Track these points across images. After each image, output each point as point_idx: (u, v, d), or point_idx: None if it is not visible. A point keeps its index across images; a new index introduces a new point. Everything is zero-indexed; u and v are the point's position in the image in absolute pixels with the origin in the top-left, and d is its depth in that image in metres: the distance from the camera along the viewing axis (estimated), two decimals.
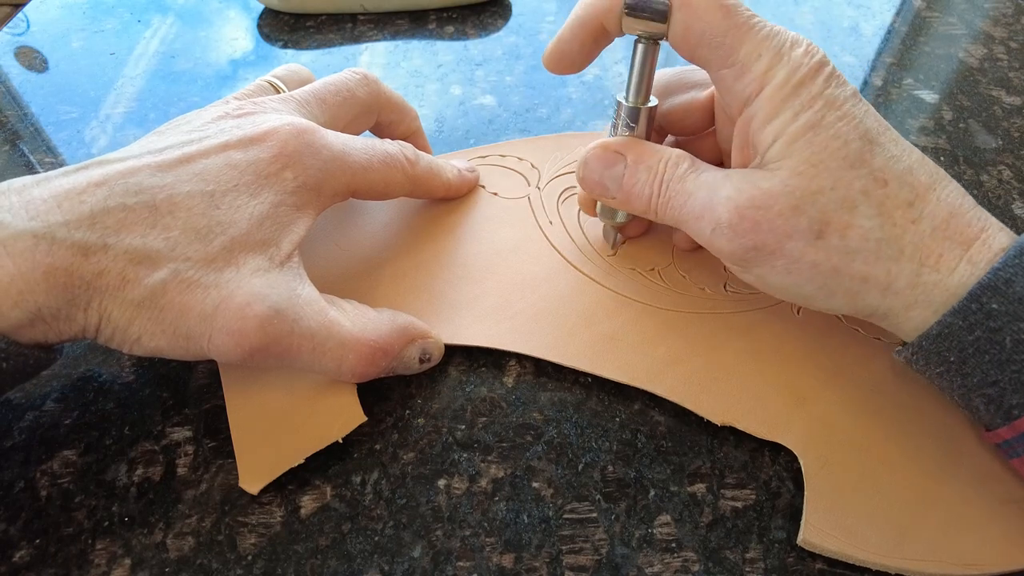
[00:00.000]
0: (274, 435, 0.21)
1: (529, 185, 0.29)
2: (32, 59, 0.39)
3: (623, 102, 0.22)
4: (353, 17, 0.41)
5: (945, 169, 0.31)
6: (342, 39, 0.40)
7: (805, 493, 0.20)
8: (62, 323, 0.18)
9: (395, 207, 0.28)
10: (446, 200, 0.28)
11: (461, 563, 0.19)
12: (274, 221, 0.20)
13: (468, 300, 0.25)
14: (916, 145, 0.32)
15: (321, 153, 0.21)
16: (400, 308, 0.23)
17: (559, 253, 0.27)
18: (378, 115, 0.26)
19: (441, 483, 0.21)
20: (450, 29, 0.40)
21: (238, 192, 0.20)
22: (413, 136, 0.28)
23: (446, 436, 0.22)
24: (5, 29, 0.41)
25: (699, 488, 0.21)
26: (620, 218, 0.25)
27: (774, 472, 0.21)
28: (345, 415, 0.21)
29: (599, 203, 0.25)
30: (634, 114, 0.22)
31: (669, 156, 0.21)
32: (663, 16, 0.19)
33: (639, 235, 0.27)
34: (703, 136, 0.25)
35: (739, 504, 0.20)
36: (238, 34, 0.40)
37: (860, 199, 0.18)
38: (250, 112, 0.22)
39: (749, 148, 0.20)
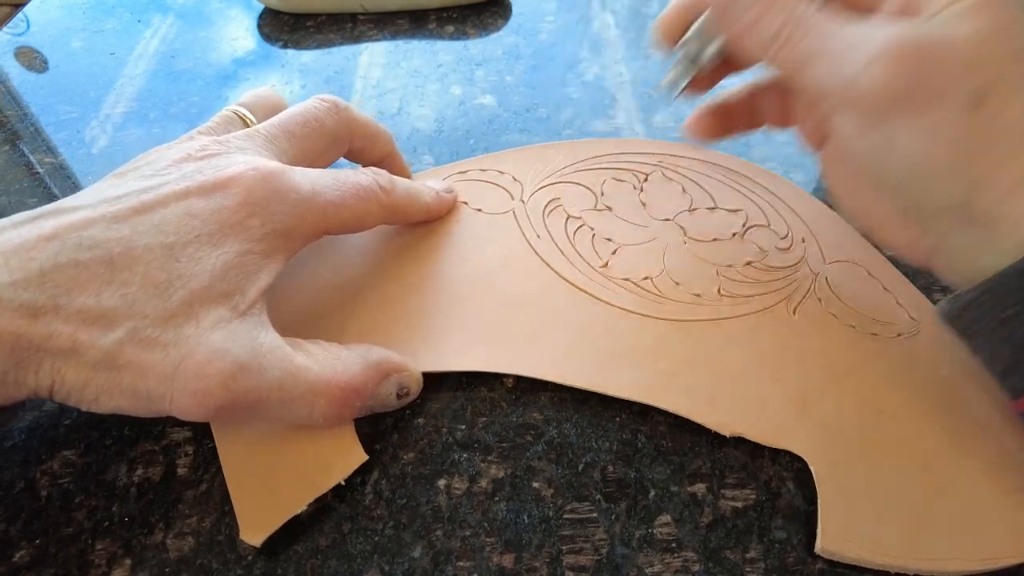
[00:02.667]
0: (272, 482, 0.20)
1: (513, 199, 0.28)
2: (32, 59, 0.39)
3: None
4: (353, 17, 0.41)
5: None
6: (342, 39, 0.40)
7: (819, 500, 0.20)
8: (10, 387, 0.17)
9: (376, 230, 0.27)
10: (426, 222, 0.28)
11: (461, 563, 0.19)
12: (239, 270, 0.19)
13: (460, 323, 0.24)
14: None
15: (289, 197, 0.20)
16: (389, 335, 0.23)
17: (549, 267, 0.26)
18: (350, 142, 0.25)
19: (441, 483, 0.21)
20: (450, 29, 0.40)
21: (200, 243, 0.18)
22: (388, 160, 0.27)
23: (446, 436, 0.22)
24: (5, 29, 0.41)
25: (699, 488, 0.21)
26: (707, 56, 0.22)
27: (774, 472, 0.21)
28: (345, 455, 0.20)
29: (692, 30, 0.22)
30: None
31: None
32: None
33: (697, 124, 0.25)
34: None
35: (739, 504, 0.20)
36: (238, 34, 0.40)
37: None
38: (214, 153, 0.21)
39: (912, 5, 0.18)
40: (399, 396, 0.21)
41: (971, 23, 0.17)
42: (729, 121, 0.26)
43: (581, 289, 0.25)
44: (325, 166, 0.24)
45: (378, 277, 0.26)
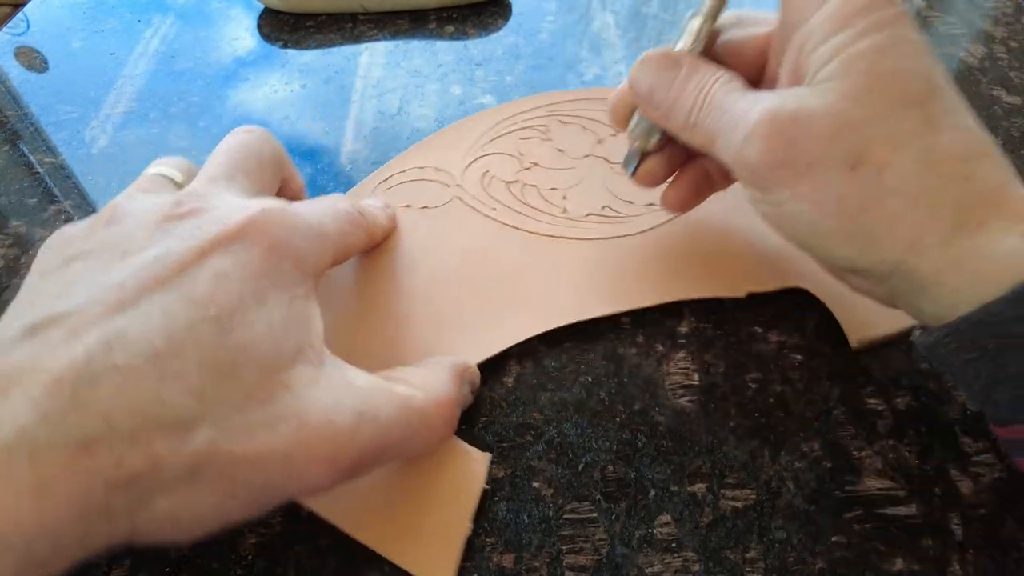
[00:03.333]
0: (421, 522, 0.19)
1: (448, 186, 0.29)
2: (32, 59, 0.39)
3: (696, 18, 0.21)
4: (353, 17, 0.41)
5: None
6: (342, 39, 0.40)
7: (832, 310, 0.24)
8: (76, 549, 0.13)
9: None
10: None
11: (461, 563, 0.19)
12: (295, 321, 0.17)
13: (474, 315, 0.24)
14: None
15: (306, 232, 0.19)
16: (408, 349, 0.23)
17: (521, 230, 0.27)
18: (281, 172, 0.23)
19: None
20: (450, 29, 0.40)
21: (245, 306, 0.16)
22: (300, 193, 0.25)
23: None
24: (5, 29, 0.41)
25: (699, 488, 0.21)
26: (652, 142, 0.24)
27: (774, 472, 0.21)
28: (467, 460, 0.20)
29: (634, 120, 0.24)
30: (701, 31, 0.21)
31: (722, 74, 0.20)
32: None
33: (656, 181, 0.25)
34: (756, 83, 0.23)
35: (739, 504, 0.20)
36: (238, 34, 0.40)
37: (908, 139, 0.17)
38: (196, 207, 0.18)
39: (799, 72, 0.19)
40: (472, 392, 0.22)
41: (837, 90, 0.17)
42: (695, 189, 0.25)
43: (560, 237, 0.27)
44: (272, 195, 0.23)
45: (365, 301, 0.25)
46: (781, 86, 0.20)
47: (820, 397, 0.23)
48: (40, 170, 0.32)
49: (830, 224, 0.18)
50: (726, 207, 0.27)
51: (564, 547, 0.19)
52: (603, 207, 0.28)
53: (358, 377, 0.18)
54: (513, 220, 0.28)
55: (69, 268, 0.16)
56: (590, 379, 0.23)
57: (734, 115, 0.19)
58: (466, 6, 0.42)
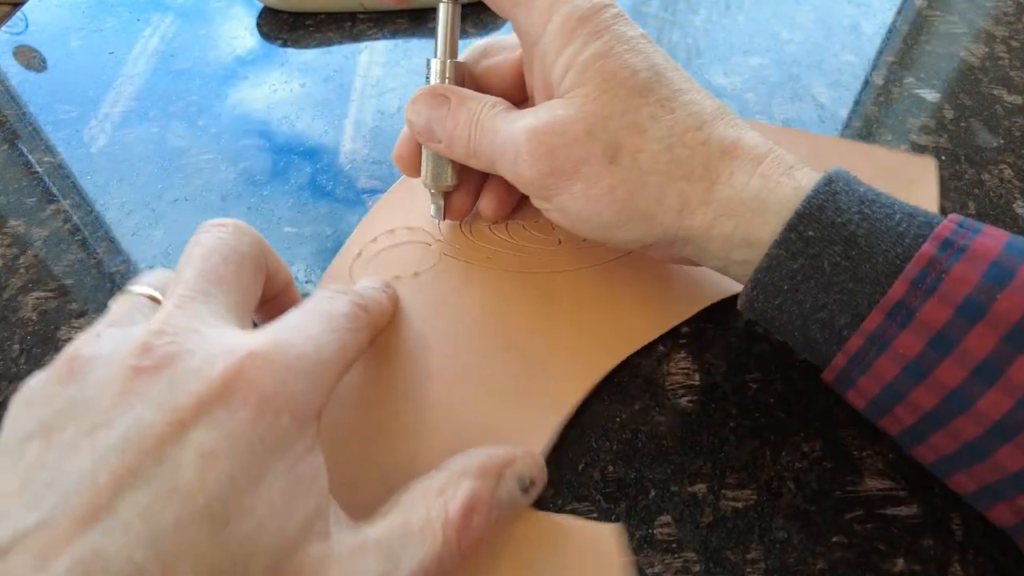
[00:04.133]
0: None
1: (430, 244, 0.27)
2: (31, 58, 0.39)
3: (433, 59, 0.24)
4: (352, 16, 0.41)
5: (946, 168, 0.31)
6: (341, 38, 0.40)
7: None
8: None
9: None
10: None
11: None
12: (300, 491, 0.15)
13: (509, 387, 0.22)
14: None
15: (304, 369, 0.16)
16: (451, 450, 0.20)
17: (522, 272, 0.26)
18: (266, 266, 0.20)
19: None
20: None
21: (239, 489, 0.14)
22: (288, 287, 0.22)
23: None
24: (4, 28, 0.41)
25: (699, 488, 0.21)
26: (446, 181, 0.25)
27: (775, 472, 0.21)
28: (597, 540, 0.19)
29: (424, 167, 0.25)
30: (446, 69, 0.23)
31: (487, 100, 0.22)
32: None
33: (465, 213, 0.26)
34: (520, 103, 0.25)
35: (740, 504, 0.20)
36: (238, 32, 0.40)
37: (649, 123, 0.20)
38: (169, 354, 0.15)
39: (547, 87, 0.21)
40: (524, 490, 0.18)
41: (579, 95, 0.20)
42: (509, 192, 0.26)
43: (568, 270, 0.26)
44: (256, 298, 0.20)
45: (381, 395, 0.22)
46: (538, 102, 0.22)
47: (821, 397, 0.23)
48: (39, 169, 0.32)
49: (609, 214, 0.20)
50: None
51: None
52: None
53: (372, 531, 0.16)
54: (513, 264, 0.26)
55: (29, 447, 0.14)
56: None
57: (503, 138, 0.21)
58: (466, 5, 0.42)
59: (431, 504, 0.16)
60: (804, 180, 0.19)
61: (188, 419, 0.14)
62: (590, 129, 0.19)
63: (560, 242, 0.27)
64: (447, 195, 0.26)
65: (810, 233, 0.18)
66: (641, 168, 0.19)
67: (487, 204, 0.26)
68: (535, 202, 0.22)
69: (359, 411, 0.22)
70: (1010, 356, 0.16)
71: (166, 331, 0.15)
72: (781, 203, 0.19)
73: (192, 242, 0.19)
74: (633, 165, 0.20)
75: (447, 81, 0.23)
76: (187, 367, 0.15)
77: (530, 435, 0.21)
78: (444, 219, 0.26)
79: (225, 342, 0.16)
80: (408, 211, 0.28)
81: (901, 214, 0.18)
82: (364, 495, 0.19)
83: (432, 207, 0.26)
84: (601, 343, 0.24)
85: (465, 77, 0.24)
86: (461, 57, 0.24)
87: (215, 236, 0.19)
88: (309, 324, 0.17)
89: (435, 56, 0.23)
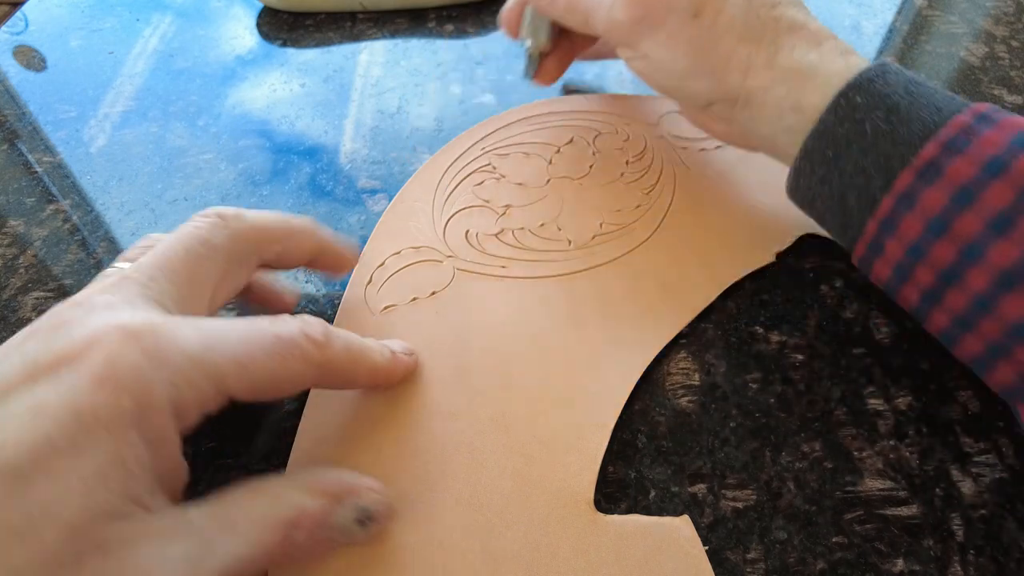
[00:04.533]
0: None
1: (442, 260, 0.26)
2: (31, 58, 0.39)
3: None
4: (352, 15, 0.41)
5: None
6: (341, 38, 0.40)
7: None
8: None
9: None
10: (383, 382, 0.22)
11: None
12: (118, 474, 0.14)
13: (563, 389, 0.22)
14: None
15: (171, 360, 0.15)
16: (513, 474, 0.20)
17: (541, 278, 0.25)
18: (258, 255, 0.20)
19: None
20: (450, 27, 0.40)
21: (54, 450, 0.13)
22: (322, 255, 0.22)
23: None
24: (3, 28, 0.41)
25: (700, 488, 0.21)
26: (543, 39, 0.29)
27: (775, 472, 0.21)
28: (671, 532, 0.19)
29: (525, 21, 0.29)
30: None
31: None
32: None
33: (552, 78, 0.31)
34: None
35: (740, 504, 0.20)
36: (238, 32, 0.40)
37: None
38: (67, 320, 0.16)
39: None
40: (361, 523, 0.17)
41: None
42: (562, 63, 0.32)
43: (584, 270, 0.26)
44: (231, 295, 0.20)
45: (426, 418, 0.21)
46: None
47: (821, 397, 0.23)
48: (38, 169, 0.32)
49: (685, 63, 0.24)
50: (711, 188, 0.29)
51: None
52: (600, 223, 0.27)
53: (194, 514, 0.15)
54: (529, 271, 0.26)
55: None
56: None
57: None
58: (466, 4, 0.42)
59: (259, 504, 0.16)
60: (857, 60, 0.22)
61: (39, 374, 0.14)
62: None
63: (570, 243, 0.27)
64: (541, 56, 0.30)
65: (858, 99, 0.20)
66: (719, 27, 0.22)
67: (549, 69, 0.31)
68: (620, 51, 0.26)
69: (413, 440, 0.21)
70: (1023, 208, 0.17)
71: (80, 303, 0.16)
72: (833, 75, 0.21)
73: (190, 226, 0.19)
74: (713, 23, 0.23)
75: None
76: (65, 332, 0.15)
77: (586, 441, 0.21)
78: (533, 78, 0.31)
79: (113, 316, 0.16)
80: (410, 231, 0.27)
81: (943, 95, 0.20)
82: (424, 521, 0.19)
83: (525, 65, 0.31)
84: (636, 337, 0.24)
85: None
86: None
87: (192, 226, 0.19)
88: (224, 326, 0.17)
89: None
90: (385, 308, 0.25)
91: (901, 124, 0.19)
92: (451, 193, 0.29)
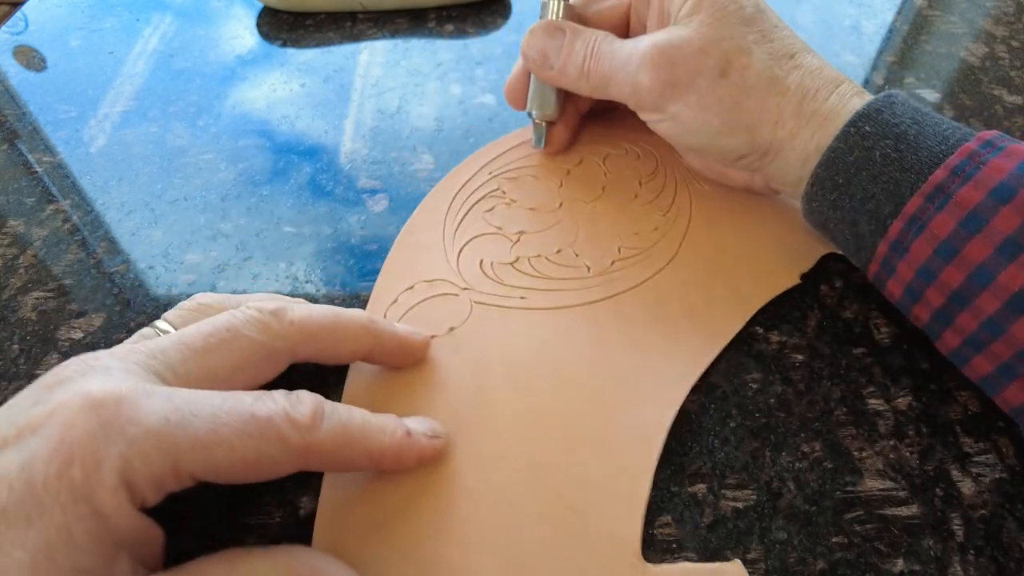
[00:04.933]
0: None
1: (458, 294, 0.25)
2: (30, 58, 0.39)
3: (543, 2, 0.27)
4: (352, 15, 0.41)
5: None
6: (341, 38, 0.40)
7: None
8: None
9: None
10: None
11: None
12: (69, 549, 0.14)
13: (597, 427, 0.21)
14: None
15: (126, 431, 0.14)
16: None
17: (562, 308, 0.24)
18: (291, 354, 0.19)
19: None
20: (450, 28, 0.40)
21: (8, 523, 0.13)
22: (378, 349, 0.21)
23: None
24: (3, 28, 0.41)
25: (700, 488, 0.21)
26: (550, 109, 0.28)
27: (775, 472, 0.21)
28: None
29: (530, 96, 0.28)
30: (558, 7, 0.27)
31: (600, 32, 0.26)
32: None
33: (563, 146, 0.30)
34: None
35: (740, 505, 0.20)
36: (238, 32, 0.40)
37: (753, 47, 0.23)
38: (67, 378, 0.16)
39: (663, 18, 0.25)
40: None
41: (696, 21, 0.23)
42: (573, 131, 0.31)
43: (607, 297, 0.25)
44: (251, 386, 0.18)
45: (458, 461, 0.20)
46: (651, 31, 0.25)
47: (821, 397, 0.23)
48: (38, 169, 0.32)
49: (717, 122, 0.24)
50: (728, 206, 0.28)
51: None
52: (618, 248, 0.26)
53: None
54: (549, 301, 0.25)
55: None
56: None
57: (622, 56, 0.25)
58: (466, 5, 0.42)
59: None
60: (869, 97, 0.22)
61: (11, 438, 0.14)
62: (704, 47, 0.23)
63: (589, 269, 0.26)
64: (549, 126, 0.29)
65: (867, 128, 0.21)
66: (747, 82, 0.23)
67: (559, 138, 0.30)
68: (645, 115, 0.26)
69: (446, 494, 0.20)
70: None
71: (87, 361, 0.17)
72: (849, 112, 0.22)
73: (226, 314, 0.19)
74: (740, 80, 0.23)
75: (560, 18, 0.27)
76: (49, 396, 0.15)
77: (627, 486, 0.20)
78: (544, 148, 0.30)
79: (93, 384, 0.15)
80: (418, 266, 0.26)
81: (949, 124, 0.21)
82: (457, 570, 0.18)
83: (534, 137, 0.30)
84: (668, 368, 0.23)
85: (575, 19, 0.27)
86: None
87: (233, 313, 0.19)
88: (197, 400, 0.16)
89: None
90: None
91: (910, 151, 0.20)
92: (461, 221, 0.28)
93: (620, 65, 0.24)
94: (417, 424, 0.20)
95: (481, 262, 0.26)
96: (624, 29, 0.28)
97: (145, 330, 0.20)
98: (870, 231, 0.21)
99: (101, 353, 0.17)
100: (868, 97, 0.22)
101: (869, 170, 0.21)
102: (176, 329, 0.19)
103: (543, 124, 0.29)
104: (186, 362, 0.17)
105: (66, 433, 0.14)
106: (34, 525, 0.13)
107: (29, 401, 0.15)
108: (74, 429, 0.14)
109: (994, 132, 0.20)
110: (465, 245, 0.27)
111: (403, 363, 0.23)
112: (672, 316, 0.24)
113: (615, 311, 0.24)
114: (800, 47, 0.24)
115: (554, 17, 0.27)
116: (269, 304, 0.19)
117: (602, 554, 0.19)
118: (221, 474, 0.16)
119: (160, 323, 0.20)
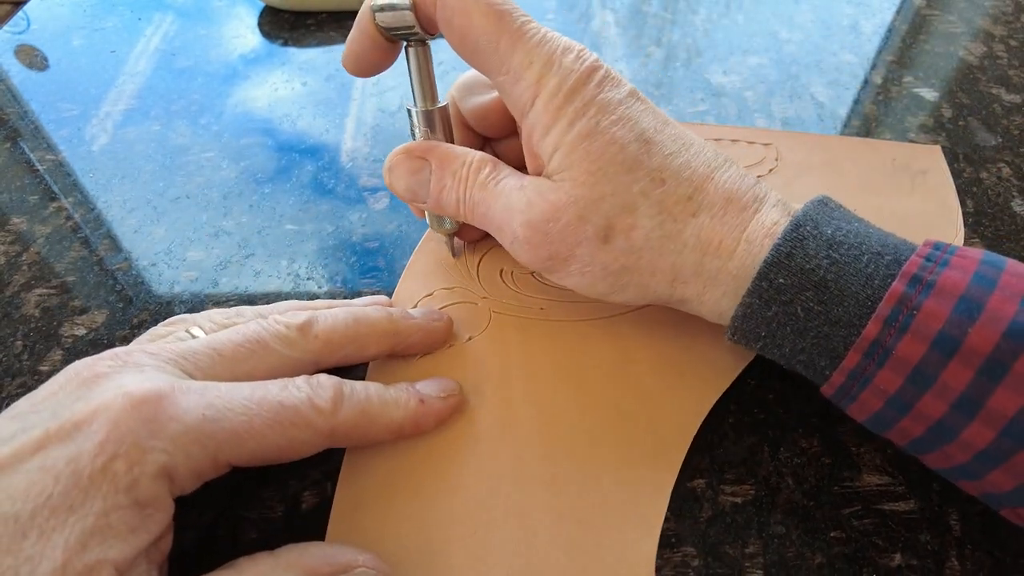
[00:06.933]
0: None
1: (476, 303, 0.25)
2: (33, 57, 0.39)
3: (413, 108, 0.22)
4: (353, 15, 0.41)
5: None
6: (342, 37, 0.40)
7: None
8: None
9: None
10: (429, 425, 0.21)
11: None
12: (103, 536, 0.15)
13: (622, 443, 0.21)
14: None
15: (168, 428, 0.16)
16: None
17: (583, 320, 0.24)
18: (315, 365, 0.20)
19: None
20: None
21: (52, 509, 0.14)
22: (402, 343, 0.22)
23: None
24: (6, 27, 0.41)
25: (699, 483, 0.21)
26: (448, 225, 0.24)
27: (773, 468, 0.21)
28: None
29: (427, 213, 0.24)
30: (427, 118, 0.22)
31: (472, 160, 0.22)
32: (408, 5, 0.19)
33: (478, 238, 0.27)
34: (511, 137, 0.25)
35: (738, 499, 0.20)
36: (239, 31, 0.40)
37: (640, 201, 0.19)
38: (99, 374, 0.17)
39: (536, 158, 0.21)
40: None
41: (573, 171, 0.19)
42: (475, 231, 0.27)
43: (624, 312, 0.24)
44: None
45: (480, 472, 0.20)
46: (528, 167, 0.22)
47: (819, 394, 0.23)
48: (40, 168, 0.32)
49: (603, 286, 0.21)
50: None
51: None
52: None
53: None
54: (569, 312, 0.24)
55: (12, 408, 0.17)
56: None
57: (498, 218, 0.21)
58: None
59: None
60: (782, 225, 0.19)
61: (53, 434, 0.15)
62: (582, 214, 0.19)
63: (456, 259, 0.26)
64: (453, 236, 0.26)
65: (781, 280, 0.18)
66: (634, 245, 0.20)
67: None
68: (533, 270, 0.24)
69: (460, 505, 0.20)
70: (987, 388, 0.16)
71: (120, 356, 0.17)
72: (758, 263, 0.19)
73: (255, 324, 0.20)
74: (626, 243, 0.20)
75: (432, 129, 0.22)
76: (88, 392, 0.16)
77: (643, 506, 0.20)
78: (456, 255, 0.26)
79: (129, 382, 0.16)
80: (438, 273, 0.26)
81: (869, 255, 0.18)
82: None
83: (451, 250, 0.26)
84: (689, 383, 0.22)
85: (448, 121, 0.23)
86: (445, 94, 0.23)
87: (261, 324, 0.20)
88: (229, 394, 0.17)
89: (414, 104, 0.22)
90: (421, 355, 0.23)
91: (834, 303, 0.18)
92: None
93: (496, 226, 0.21)
94: (430, 388, 0.21)
95: (501, 271, 0.26)
96: (510, 122, 0.24)
97: (178, 331, 0.20)
98: (810, 375, 0.19)
99: (133, 348, 0.18)
100: (781, 226, 0.19)
101: (793, 325, 0.18)
102: (206, 335, 0.20)
103: (448, 237, 0.26)
104: (215, 367, 0.18)
105: (111, 431, 0.15)
106: (75, 512, 0.14)
107: (67, 395, 0.16)
108: (119, 427, 0.15)
109: (920, 256, 0.18)
110: (485, 254, 0.27)
111: (429, 351, 0.23)
112: (695, 331, 0.23)
113: (636, 323, 0.24)
114: (701, 176, 0.20)
115: (416, 132, 0.23)
116: (296, 318, 0.20)
117: (615, 571, 0.18)
118: (255, 460, 0.17)
119: (195, 330, 0.20)
